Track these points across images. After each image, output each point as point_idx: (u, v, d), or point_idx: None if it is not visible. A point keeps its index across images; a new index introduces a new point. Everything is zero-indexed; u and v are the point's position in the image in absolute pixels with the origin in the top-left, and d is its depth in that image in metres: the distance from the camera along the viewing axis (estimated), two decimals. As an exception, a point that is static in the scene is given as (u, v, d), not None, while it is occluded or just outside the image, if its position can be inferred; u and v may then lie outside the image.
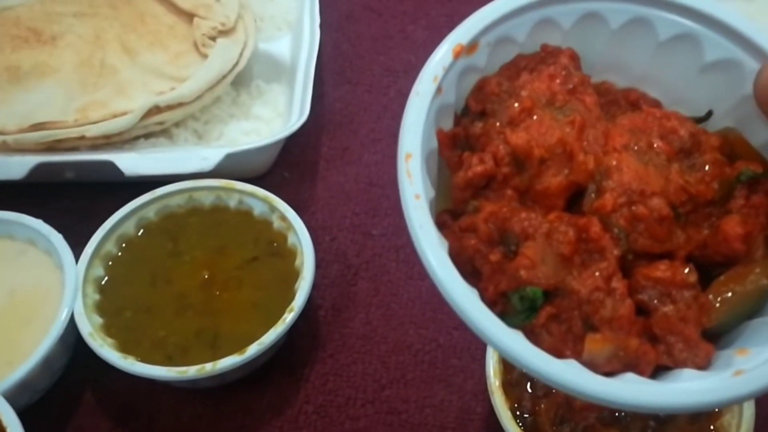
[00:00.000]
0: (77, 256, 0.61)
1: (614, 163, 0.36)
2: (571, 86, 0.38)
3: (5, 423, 0.50)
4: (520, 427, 0.53)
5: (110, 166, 0.67)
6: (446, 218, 0.37)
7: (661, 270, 0.35)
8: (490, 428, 0.55)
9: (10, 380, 0.54)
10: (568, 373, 0.32)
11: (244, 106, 0.78)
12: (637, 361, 0.33)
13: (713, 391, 0.32)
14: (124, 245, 0.64)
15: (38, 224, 0.63)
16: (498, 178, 0.36)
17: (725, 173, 0.37)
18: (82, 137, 0.68)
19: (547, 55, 0.39)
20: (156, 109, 0.69)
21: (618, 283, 0.34)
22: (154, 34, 0.77)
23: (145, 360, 0.55)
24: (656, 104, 0.41)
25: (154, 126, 0.71)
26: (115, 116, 0.68)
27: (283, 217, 0.63)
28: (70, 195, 0.72)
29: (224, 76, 0.73)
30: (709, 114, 0.41)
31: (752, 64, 0.38)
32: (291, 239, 0.63)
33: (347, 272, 0.68)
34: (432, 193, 0.36)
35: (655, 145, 0.37)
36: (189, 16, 0.79)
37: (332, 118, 0.82)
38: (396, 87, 0.85)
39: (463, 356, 0.63)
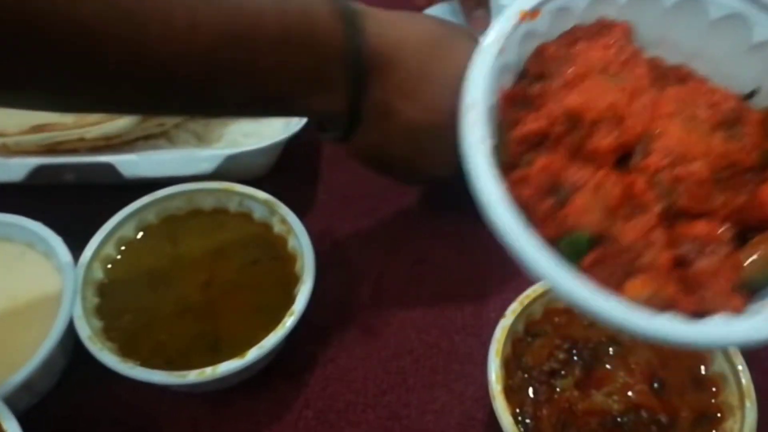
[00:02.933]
0: (77, 259, 0.61)
1: (661, 128, 0.39)
2: (624, 57, 0.41)
3: (5, 426, 0.50)
4: (522, 432, 0.52)
5: (110, 168, 0.67)
6: (498, 173, 0.39)
7: (699, 227, 0.38)
8: (493, 433, 0.55)
9: (9, 383, 0.54)
10: (616, 308, 0.34)
11: (245, 107, 0.77)
12: (673, 307, 0.36)
13: (747, 330, 0.35)
14: (123, 248, 0.64)
15: (37, 227, 0.63)
16: (551, 136, 0.39)
17: (765, 145, 0.39)
18: (82, 139, 0.67)
19: (602, 27, 0.42)
20: (156, 111, 0.69)
21: (659, 235, 0.37)
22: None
23: (144, 364, 0.55)
24: (704, 81, 0.44)
25: (154, 128, 0.70)
26: (114, 118, 0.68)
27: (284, 221, 0.63)
28: (70, 197, 0.72)
29: (225, 78, 0.73)
30: (754, 92, 0.43)
31: None
32: (291, 243, 0.62)
33: (348, 276, 0.68)
34: (491, 143, 0.38)
35: (699, 115, 0.39)
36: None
37: (333, 120, 0.82)
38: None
39: (465, 361, 0.62)
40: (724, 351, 0.56)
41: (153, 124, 0.70)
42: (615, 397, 0.55)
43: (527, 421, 0.54)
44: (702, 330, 0.35)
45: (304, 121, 0.70)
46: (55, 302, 0.59)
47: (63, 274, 0.60)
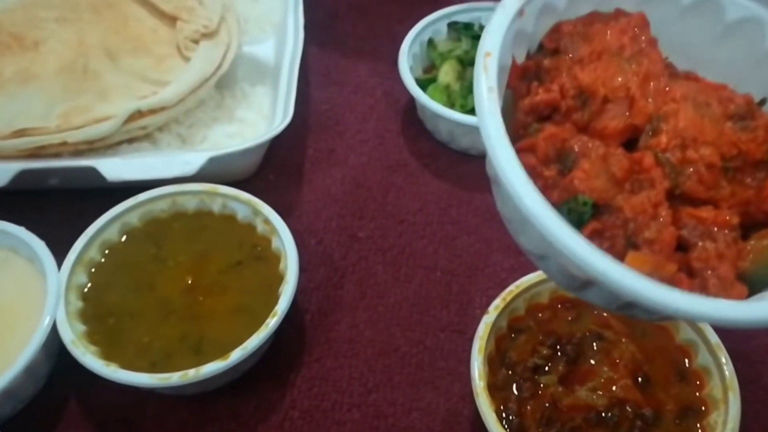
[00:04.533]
0: (60, 263, 0.61)
1: (672, 109, 0.38)
2: (639, 44, 0.40)
3: (-14, 434, 0.50)
4: (505, 429, 0.52)
5: (93, 171, 0.66)
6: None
7: (706, 211, 0.37)
8: (477, 431, 0.55)
9: (-8, 390, 0.54)
10: (621, 271, 0.32)
11: (229, 109, 0.77)
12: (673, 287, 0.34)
13: (749, 309, 0.33)
14: (107, 251, 0.64)
15: (20, 231, 0.63)
16: (561, 109, 0.39)
17: None
18: (65, 143, 0.67)
19: (620, 14, 0.42)
20: (138, 114, 0.69)
21: (664, 211, 0.36)
22: (137, 38, 0.77)
23: (128, 367, 0.55)
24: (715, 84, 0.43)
25: (137, 131, 0.70)
26: (97, 121, 0.68)
27: (267, 221, 0.63)
28: (53, 202, 0.72)
29: (207, 79, 0.73)
30: (765, 100, 0.42)
31: None
32: (275, 243, 0.62)
33: (333, 275, 0.68)
34: (502, 95, 0.38)
35: (712, 104, 0.39)
36: (172, 20, 0.79)
37: (318, 119, 0.82)
38: (382, 88, 0.85)
39: (450, 359, 0.62)
40: (708, 344, 0.56)
41: (136, 127, 0.70)
42: (599, 392, 0.54)
43: (511, 417, 0.54)
44: (712, 304, 0.33)
45: (287, 121, 0.70)
46: (39, 307, 0.58)
47: (46, 278, 0.60)
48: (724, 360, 0.55)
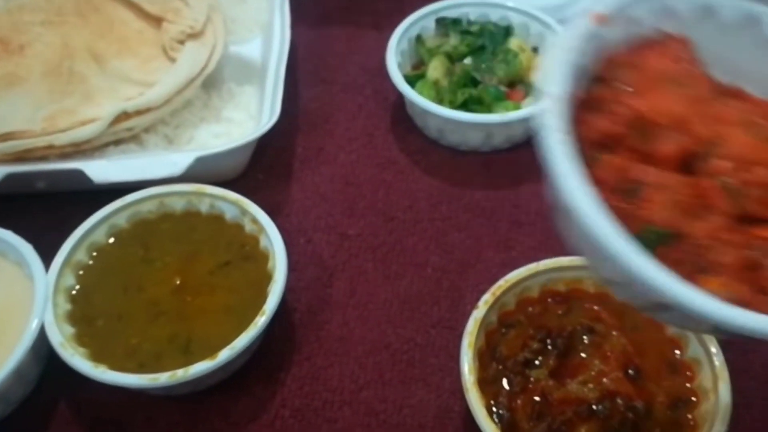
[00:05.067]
0: (48, 266, 0.60)
1: (726, 133, 0.39)
2: (687, 68, 0.41)
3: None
4: (496, 424, 0.52)
5: (79, 174, 0.66)
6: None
7: None
8: (469, 426, 0.55)
9: (-20, 394, 0.53)
10: (702, 298, 0.33)
11: (216, 109, 0.77)
12: (745, 308, 0.35)
13: None
14: (95, 253, 0.63)
15: (8, 235, 0.63)
16: (617, 138, 0.39)
17: None
18: (51, 146, 0.67)
19: (667, 38, 0.43)
20: (125, 115, 0.69)
21: (730, 234, 0.37)
22: (122, 40, 0.77)
23: (117, 368, 0.55)
24: (759, 100, 0.44)
25: (124, 132, 0.70)
26: (83, 124, 0.68)
27: (255, 220, 0.63)
28: (40, 205, 0.71)
29: (193, 80, 0.72)
30: None
31: None
32: (263, 242, 0.62)
33: (323, 274, 0.68)
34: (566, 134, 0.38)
35: (762, 124, 0.40)
36: (158, 21, 0.78)
37: (307, 118, 0.82)
38: (371, 86, 0.85)
39: (441, 355, 0.62)
40: (699, 335, 0.56)
41: (122, 128, 0.69)
42: (590, 385, 0.54)
43: (502, 412, 0.54)
44: None
45: (274, 120, 0.70)
46: (27, 310, 0.58)
47: (34, 281, 0.60)
48: (714, 350, 0.55)
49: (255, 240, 0.63)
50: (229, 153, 0.68)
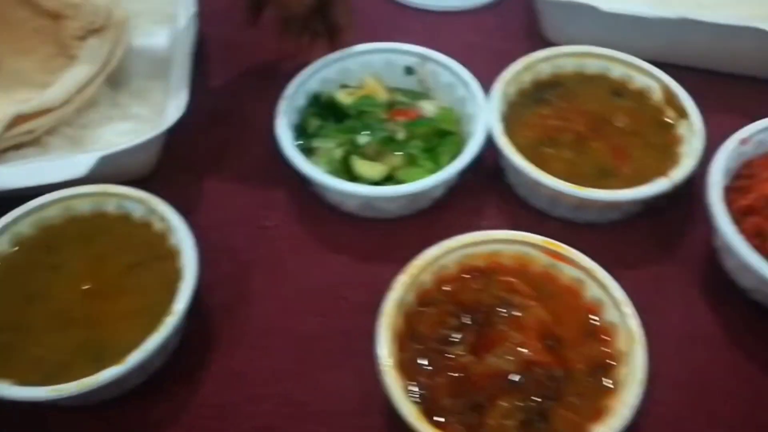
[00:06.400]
0: (-53, 282, 0.58)
1: None
2: None
3: None
4: (416, 404, 0.52)
5: (-24, 182, 0.63)
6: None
7: None
8: (393, 408, 0.54)
9: None
10: None
11: (123, 106, 0.74)
12: None
13: None
14: (-2, 264, 0.61)
15: None
16: (755, 208, 0.61)
17: None
18: (-55, 156, 0.64)
19: None
20: (21, 118, 0.66)
21: None
22: (18, 40, 0.73)
23: (21, 382, 0.52)
24: None
25: (23, 136, 0.67)
26: (-23, 130, 0.65)
27: (163, 218, 0.61)
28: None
29: (94, 77, 0.70)
30: None
31: None
32: (172, 240, 0.60)
33: (241, 268, 0.66)
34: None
35: None
36: (56, 18, 0.75)
37: (220, 110, 0.80)
38: (287, 72, 0.83)
39: (364, 340, 0.60)
40: (615, 300, 0.56)
41: (21, 132, 0.67)
42: (509, 357, 0.54)
43: (422, 392, 0.53)
44: None
45: (179, 114, 0.68)
46: (-76, 329, 0.55)
47: (-69, 298, 0.57)
48: (628, 311, 0.55)
49: (164, 238, 0.61)
50: (135, 150, 0.66)
